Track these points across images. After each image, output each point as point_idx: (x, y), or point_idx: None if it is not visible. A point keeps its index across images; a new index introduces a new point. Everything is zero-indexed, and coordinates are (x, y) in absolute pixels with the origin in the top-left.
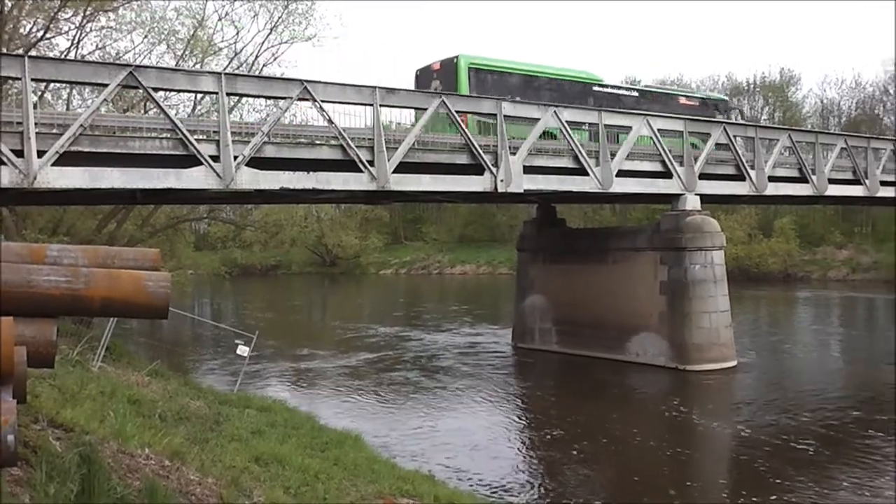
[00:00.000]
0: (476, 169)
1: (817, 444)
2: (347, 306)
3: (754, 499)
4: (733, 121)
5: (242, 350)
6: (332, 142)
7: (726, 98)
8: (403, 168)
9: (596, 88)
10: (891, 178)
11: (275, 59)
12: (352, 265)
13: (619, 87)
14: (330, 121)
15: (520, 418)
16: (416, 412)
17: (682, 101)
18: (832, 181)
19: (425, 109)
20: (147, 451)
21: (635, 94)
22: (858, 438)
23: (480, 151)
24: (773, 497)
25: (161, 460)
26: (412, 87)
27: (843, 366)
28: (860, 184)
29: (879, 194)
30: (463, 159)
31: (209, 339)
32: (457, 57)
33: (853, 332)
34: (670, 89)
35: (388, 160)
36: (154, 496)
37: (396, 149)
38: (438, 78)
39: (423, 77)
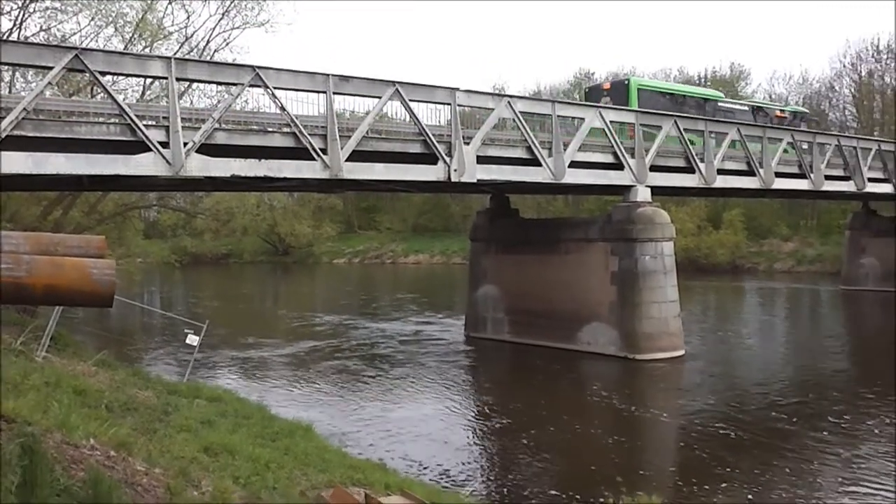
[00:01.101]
0: (430, 158)
1: (761, 431)
2: (300, 295)
3: (705, 487)
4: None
5: (192, 339)
6: (285, 129)
7: (807, 111)
8: (357, 156)
9: (719, 104)
10: (835, 173)
11: (226, 45)
12: (305, 254)
13: (735, 103)
14: (282, 108)
15: (470, 407)
16: (367, 401)
17: (777, 113)
18: (779, 175)
19: (379, 97)
20: (92, 442)
21: (746, 108)
22: (800, 426)
23: (434, 141)
24: (724, 484)
25: (107, 451)
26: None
27: (788, 355)
28: (805, 178)
29: (824, 188)
30: (417, 148)
31: (158, 329)
32: (628, 79)
33: (798, 322)
34: (770, 104)
35: (342, 148)
36: (98, 487)
37: (350, 137)
38: (609, 95)
39: (593, 94)
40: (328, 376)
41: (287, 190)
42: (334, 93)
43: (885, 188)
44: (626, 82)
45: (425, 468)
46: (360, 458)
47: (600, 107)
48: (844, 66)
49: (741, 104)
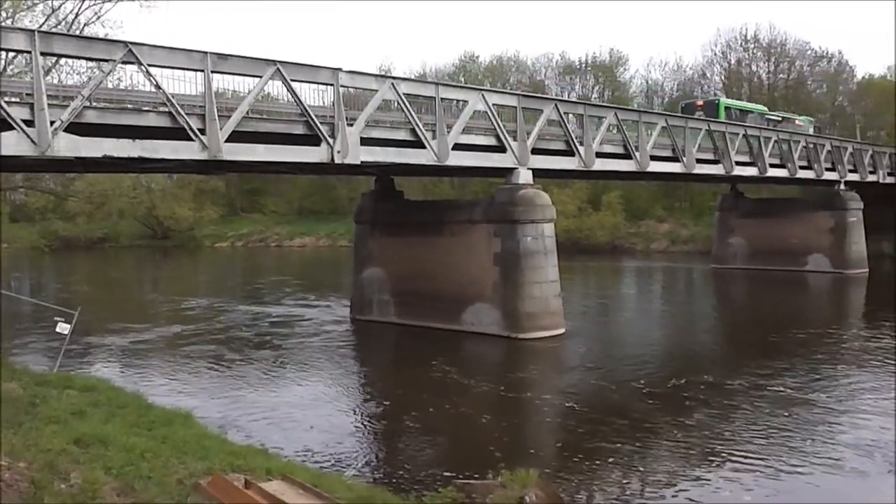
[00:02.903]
0: (313, 139)
1: (638, 406)
2: (180, 280)
3: (584, 461)
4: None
5: (62, 328)
6: (161, 108)
7: (812, 119)
8: (238, 137)
9: (767, 116)
10: (705, 157)
11: (97, 19)
12: (185, 238)
13: (772, 114)
14: (157, 86)
15: (355, 390)
16: (250, 386)
17: (797, 122)
18: (654, 158)
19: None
20: None
21: (779, 118)
22: (674, 400)
23: (317, 122)
24: (602, 458)
25: None
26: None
27: (663, 331)
28: (679, 161)
29: (695, 171)
30: (300, 129)
31: (26, 317)
32: (718, 99)
33: (672, 299)
34: (790, 115)
35: (221, 129)
36: None
37: (230, 117)
38: (701, 110)
39: (688, 108)
40: (209, 362)
41: (165, 171)
42: (213, 71)
43: (751, 171)
44: (717, 102)
45: (309, 452)
46: (241, 444)
47: (483, 89)
48: (715, 54)
49: (775, 115)
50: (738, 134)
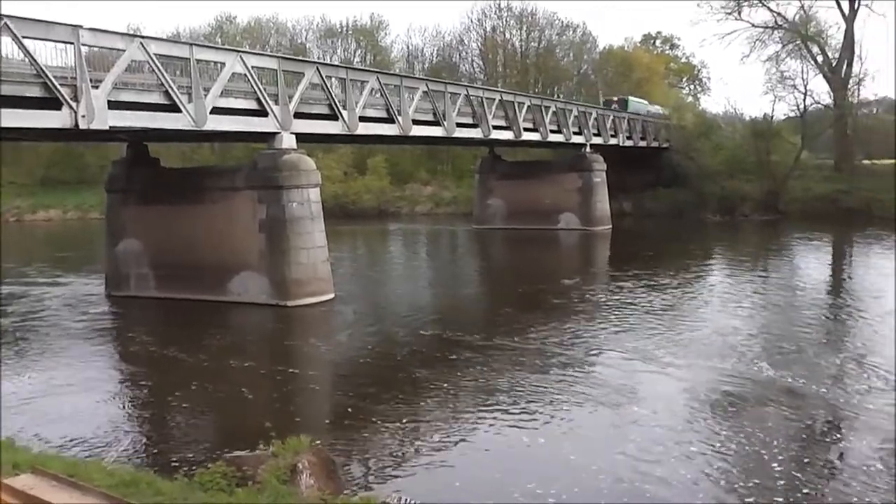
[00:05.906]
0: (54, 103)
1: (405, 365)
2: None
3: (355, 424)
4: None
5: None
6: None
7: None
8: None
9: (649, 108)
10: (466, 121)
11: None
12: None
13: (649, 104)
14: None
15: (114, 373)
16: None
17: (664, 113)
18: (416, 122)
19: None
20: None
21: (658, 109)
22: (439, 357)
23: (56, 84)
24: (373, 420)
25: None
26: None
27: (429, 291)
28: (440, 125)
29: (455, 135)
30: (36, 92)
31: None
32: (627, 98)
33: (438, 259)
34: (660, 106)
35: None
36: None
37: None
38: (616, 104)
39: (607, 103)
40: None
41: None
42: None
43: (507, 135)
44: (626, 100)
45: (66, 442)
46: None
47: (240, 51)
48: (472, 21)
49: (653, 105)
50: (493, 100)
